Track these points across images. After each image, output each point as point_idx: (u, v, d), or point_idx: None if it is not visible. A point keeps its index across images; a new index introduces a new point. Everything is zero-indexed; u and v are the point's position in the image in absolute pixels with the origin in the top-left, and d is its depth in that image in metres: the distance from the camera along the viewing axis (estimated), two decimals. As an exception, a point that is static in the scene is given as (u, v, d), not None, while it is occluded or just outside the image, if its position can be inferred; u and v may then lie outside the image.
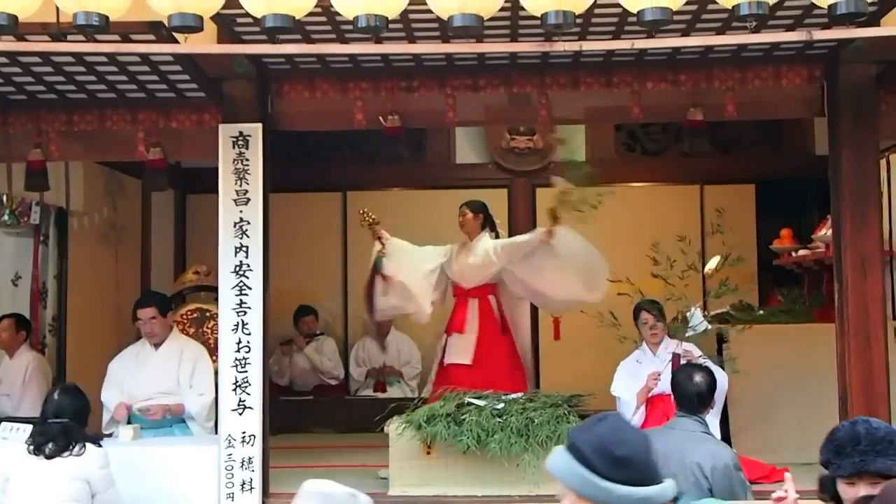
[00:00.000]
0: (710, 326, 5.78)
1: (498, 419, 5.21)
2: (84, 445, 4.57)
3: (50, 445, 4.54)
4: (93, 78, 5.28)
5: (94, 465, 4.57)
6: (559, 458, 2.16)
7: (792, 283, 7.76)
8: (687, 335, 5.65)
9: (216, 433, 5.28)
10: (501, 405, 5.32)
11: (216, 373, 5.39)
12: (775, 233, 7.56)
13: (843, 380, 5.18)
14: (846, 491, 2.64)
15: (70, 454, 4.54)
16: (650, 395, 5.76)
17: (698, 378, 4.34)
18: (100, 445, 4.68)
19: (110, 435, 5.47)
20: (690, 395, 4.31)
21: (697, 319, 5.68)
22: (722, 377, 5.29)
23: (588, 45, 4.33)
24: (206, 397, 5.59)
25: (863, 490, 2.60)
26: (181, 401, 5.63)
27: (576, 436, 2.16)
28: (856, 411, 5.08)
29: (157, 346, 5.74)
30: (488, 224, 6.30)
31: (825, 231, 6.28)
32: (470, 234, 6.25)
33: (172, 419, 5.64)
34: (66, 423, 4.59)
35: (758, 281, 8.42)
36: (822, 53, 5.24)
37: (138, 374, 5.67)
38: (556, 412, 5.28)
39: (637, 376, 5.74)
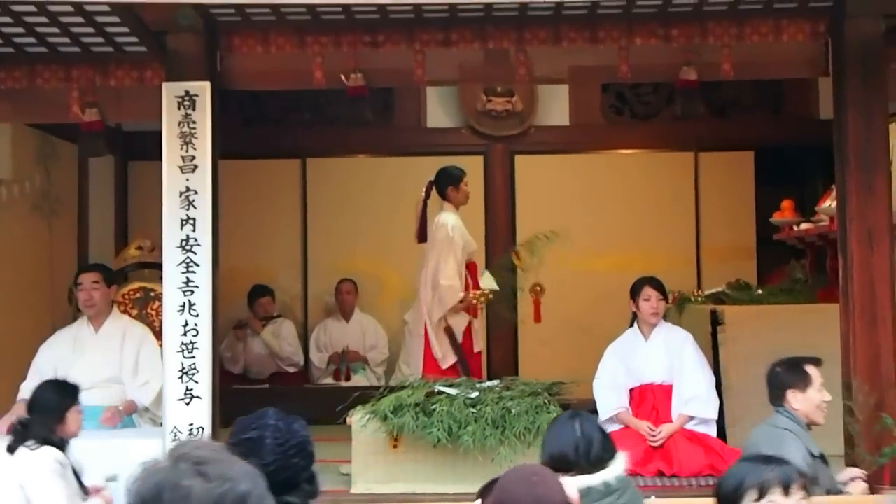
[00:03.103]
0: None
1: (471, 409, 5.22)
2: None
3: None
4: (20, 30, 5.22)
5: None
6: None
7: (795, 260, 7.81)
8: None
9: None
10: (475, 394, 5.34)
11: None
12: (775, 204, 7.60)
13: (847, 363, 5.23)
14: None
15: None
16: (639, 384, 5.79)
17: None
18: None
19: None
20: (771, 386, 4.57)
21: None
22: None
23: (571, -6, 4.32)
24: (152, 384, 5.57)
25: None
26: (129, 396, 5.61)
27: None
28: (862, 397, 5.15)
29: (97, 327, 5.73)
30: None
31: (829, 202, 6.33)
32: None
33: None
34: None
35: (756, 257, 8.49)
36: (827, 6, 5.27)
37: (77, 361, 5.62)
38: (536, 401, 5.30)
39: (628, 367, 5.78)
